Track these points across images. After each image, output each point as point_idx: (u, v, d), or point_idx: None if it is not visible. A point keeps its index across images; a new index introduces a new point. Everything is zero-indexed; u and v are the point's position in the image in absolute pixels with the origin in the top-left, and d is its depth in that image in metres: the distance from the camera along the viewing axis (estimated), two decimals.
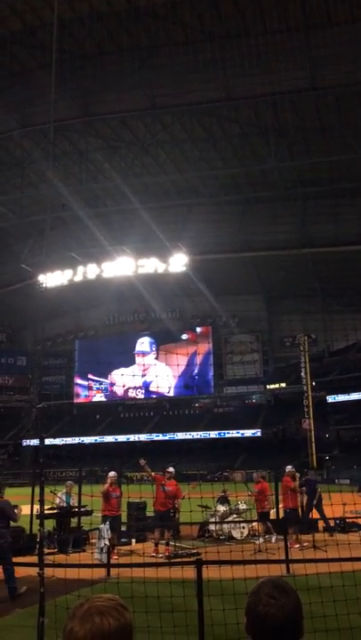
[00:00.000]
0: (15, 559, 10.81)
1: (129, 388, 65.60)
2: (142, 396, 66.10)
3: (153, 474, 14.04)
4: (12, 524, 9.85)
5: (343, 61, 31.22)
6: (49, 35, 31.45)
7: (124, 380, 63.87)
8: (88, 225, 44.47)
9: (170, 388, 64.20)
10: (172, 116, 37.87)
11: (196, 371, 63.18)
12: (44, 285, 46.50)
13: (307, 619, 1.78)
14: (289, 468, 14.69)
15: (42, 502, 5.43)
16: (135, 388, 65.67)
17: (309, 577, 5.96)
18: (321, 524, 15.03)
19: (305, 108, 36.18)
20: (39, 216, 46.96)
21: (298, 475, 14.52)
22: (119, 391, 66.43)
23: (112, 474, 13.85)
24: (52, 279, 46.90)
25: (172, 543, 13.31)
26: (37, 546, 12.80)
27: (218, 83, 34.41)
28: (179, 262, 44.68)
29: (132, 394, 66.05)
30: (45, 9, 30.77)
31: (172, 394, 64.53)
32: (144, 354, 65.62)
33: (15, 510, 9.63)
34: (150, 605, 5.81)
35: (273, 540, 13.48)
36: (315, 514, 15.00)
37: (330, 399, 53.82)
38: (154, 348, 65.81)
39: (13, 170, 42.67)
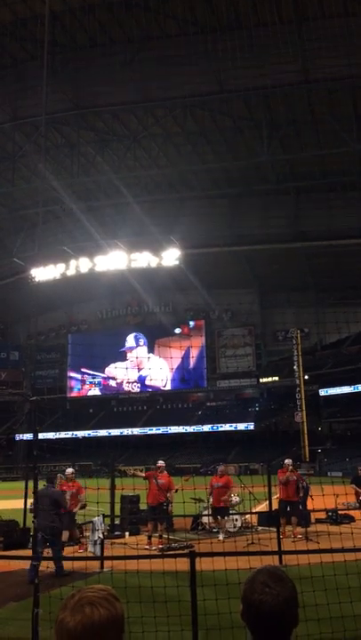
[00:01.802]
0: (8, 552, 10.83)
1: (125, 382, 65.63)
2: (138, 390, 66.16)
3: (144, 473, 14.07)
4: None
5: (336, 54, 31.16)
6: (40, 26, 31.21)
7: (121, 373, 63.92)
8: (80, 219, 44.30)
9: (166, 381, 64.28)
10: (165, 109, 37.71)
11: (191, 364, 63.32)
12: (35, 279, 46.36)
13: (299, 608, 1.78)
14: (286, 461, 14.75)
15: (36, 494, 5.41)
16: (130, 382, 65.70)
17: (302, 567, 6.00)
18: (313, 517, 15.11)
19: (297, 102, 36.15)
20: (31, 209, 46.79)
21: (290, 468, 14.49)
22: (116, 384, 66.41)
23: (69, 470, 13.98)
24: (44, 273, 46.72)
25: (165, 536, 13.35)
26: (31, 539, 12.84)
27: (210, 76, 34.26)
28: (171, 256, 44.64)
29: (127, 387, 66.09)
30: (36, 0, 30.48)
31: (168, 387, 64.62)
32: (131, 349, 65.60)
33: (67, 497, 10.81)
34: (144, 596, 5.83)
35: (220, 537, 13.53)
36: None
37: (322, 392, 54.11)
38: (141, 342, 65.79)
39: (5, 163, 42.38)
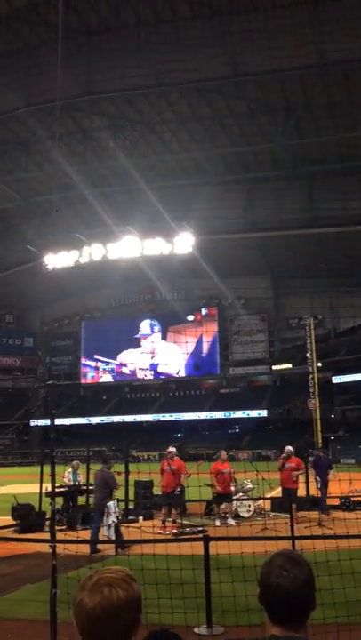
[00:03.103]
0: (25, 536, 11.00)
1: (138, 369, 65.92)
2: (151, 377, 66.43)
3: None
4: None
5: (352, 36, 30.59)
6: (53, 11, 31.00)
7: (134, 359, 64.20)
8: (93, 205, 44.22)
9: (179, 368, 64.45)
10: (178, 93, 37.34)
11: (204, 351, 63.38)
12: (48, 266, 46.53)
13: (315, 592, 1.79)
14: (285, 448, 14.76)
15: (53, 478, 5.47)
16: (144, 369, 65.95)
17: (317, 553, 6.02)
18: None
19: (313, 85, 35.57)
20: (44, 196, 46.81)
21: (283, 455, 14.48)
22: (129, 371, 66.71)
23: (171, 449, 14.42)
24: (57, 260, 46.81)
25: (178, 521, 13.46)
26: (47, 522, 13.03)
27: (224, 59, 33.81)
28: (185, 243, 44.43)
29: (140, 375, 66.38)
30: None
31: (182, 374, 64.79)
32: (146, 336, 65.81)
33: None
34: (160, 578, 5.88)
35: (217, 523, 13.61)
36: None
37: (335, 380, 53.88)
38: (155, 329, 65.94)
39: (18, 150, 42.37)
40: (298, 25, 30.61)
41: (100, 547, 10.27)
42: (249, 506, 14.88)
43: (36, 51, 34.55)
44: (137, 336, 65.95)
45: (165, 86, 36.45)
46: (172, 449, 14.39)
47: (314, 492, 15.54)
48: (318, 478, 15.29)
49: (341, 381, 53.75)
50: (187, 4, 32.46)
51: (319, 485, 15.23)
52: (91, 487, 15.06)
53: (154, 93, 37.38)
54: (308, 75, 34.47)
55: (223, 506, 14.41)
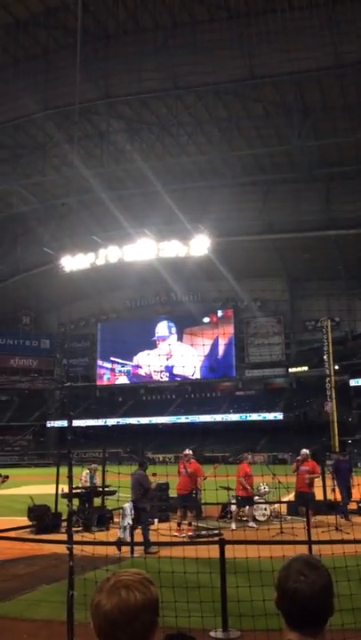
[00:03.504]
0: (41, 537, 11.05)
1: (154, 371, 66.01)
2: (167, 379, 66.48)
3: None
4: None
5: None
6: (70, 16, 31.27)
7: (150, 361, 64.30)
8: (109, 208, 44.45)
9: (195, 369, 64.41)
10: (195, 96, 37.40)
11: (219, 353, 63.27)
12: (64, 269, 46.83)
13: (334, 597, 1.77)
14: (302, 451, 14.65)
15: (70, 479, 5.49)
16: (160, 371, 66.02)
17: (336, 558, 5.96)
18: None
19: (330, 86, 35.39)
20: (61, 199, 47.13)
21: (298, 458, 14.36)
22: (145, 373, 66.83)
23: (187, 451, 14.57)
24: (74, 262, 47.11)
25: (194, 524, 13.43)
26: (64, 522, 13.09)
27: (241, 61, 33.81)
28: (201, 245, 44.42)
29: (156, 377, 66.46)
30: None
31: (197, 376, 64.75)
32: (163, 338, 65.90)
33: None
34: (177, 581, 5.87)
35: (233, 526, 13.53)
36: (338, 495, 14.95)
37: (353, 382, 53.44)
38: (173, 331, 65.98)
39: (35, 153, 42.76)
40: (315, 26, 30.48)
41: (122, 548, 10.28)
42: (265, 509, 14.80)
43: (53, 55, 34.87)
44: (154, 338, 66.06)
45: (182, 89, 36.54)
46: (188, 451, 14.37)
47: (332, 495, 15.38)
48: (337, 482, 15.06)
49: (359, 384, 53.29)
50: (204, 6, 32.53)
51: (340, 489, 14.97)
52: (107, 489, 15.14)
53: (170, 96, 37.49)
54: (326, 76, 34.30)
55: (246, 509, 14.33)
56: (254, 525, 13.50)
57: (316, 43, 31.33)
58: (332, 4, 30.71)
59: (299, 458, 14.33)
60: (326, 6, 30.66)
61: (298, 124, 36.23)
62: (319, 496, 15.41)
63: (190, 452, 14.53)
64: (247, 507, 14.25)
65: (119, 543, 10.24)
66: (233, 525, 13.67)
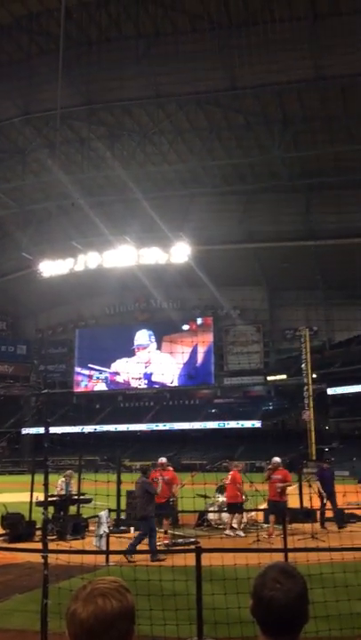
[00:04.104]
0: (15, 545, 10.90)
1: (132, 378, 65.77)
2: (145, 386, 66.28)
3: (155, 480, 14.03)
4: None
5: (349, 51, 30.94)
6: (53, 22, 31.24)
7: (128, 369, 64.08)
8: (89, 214, 44.34)
9: (173, 377, 64.34)
10: (176, 105, 37.60)
11: (198, 361, 63.33)
12: (43, 274, 46.51)
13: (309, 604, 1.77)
14: (273, 459, 14.62)
15: (46, 487, 5.44)
16: (138, 378, 65.81)
17: (311, 565, 5.99)
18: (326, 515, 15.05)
19: (310, 99, 35.89)
20: (40, 204, 46.90)
21: (269, 466, 14.38)
22: (123, 380, 66.54)
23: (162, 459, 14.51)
24: (52, 268, 46.80)
25: (170, 532, 13.38)
26: (38, 531, 12.92)
27: (223, 72, 34.12)
28: (181, 252, 44.54)
29: (134, 384, 66.21)
30: None
31: (176, 383, 64.69)
32: (142, 347, 65.75)
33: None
34: (152, 590, 5.84)
35: (227, 532, 13.52)
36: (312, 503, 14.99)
37: (330, 391, 53.94)
38: (152, 339, 65.90)
39: (15, 158, 42.48)
40: (296, 39, 30.94)
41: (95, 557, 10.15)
42: (242, 517, 14.80)
43: (35, 60, 34.75)
44: (133, 347, 65.85)
45: (164, 97, 36.71)
46: (163, 460, 14.29)
47: (309, 504, 15.43)
48: (323, 491, 14.89)
49: (336, 393, 53.81)
50: (186, 17, 32.76)
51: (325, 499, 14.83)
52: (83, 497, 15.00)
53: (152, 104, 37.62)
54: (306, 88, 34.81)
55: (234, 516, 14.26)
56: (241, 534, 13.43)
57: (296, 55, 31.79)
58: (312, 18, 31.21)
59: (270, 467, 14.32)
60: (307, 20, 31.15)
61: (278, 134, 36.66)
62: (295, 504, 15.47)
63: (165, 460, 14.43)
64: (236, 514, 14.16)
65: (129, 551, 10.18)
66: (228, 532, 13.56)
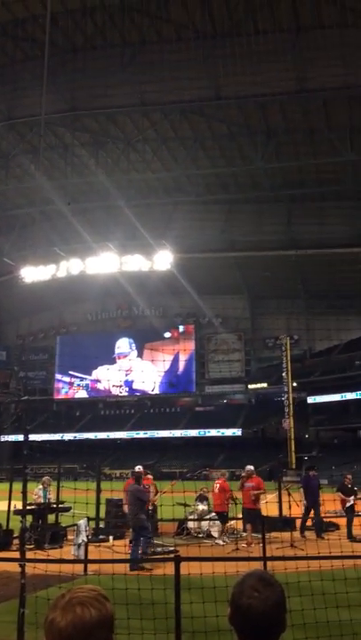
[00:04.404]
0: None
1: (113, 386, 65.44)
2: (126, 394, 66.00)
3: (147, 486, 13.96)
4: None
5: (332, 65, 31.41)
6: (38, 27, 31.23)
7: (109, 376, 63.78)
8: (72, 221, 44.18)
9: (155, 385, 64.18)
10: (161, 113, 37.77)
11: (180, 369, 63.28)
12: (25, 280, 46.15)
13: (286, 613, 1.78)
14: (246, 467, 14.66)
15: (24, 495, 5.38)
16: (119, 386, 65.51)
17: (289, 574, 6.01)
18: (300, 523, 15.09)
19: (293, 110, 36.33)
20: (23, 209, 46.64)
21: (245, 474, 14.40)
22: (104, 387, 66.19)
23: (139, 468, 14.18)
24: (34, 273, 46.47)
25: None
26: (16, 539, 12.74)
27: (207, 82, 34.38)
28: (164, 260, 44.59)
29: (115, 391, 65.90)
30: (35, 1, 30.48)
31: (157, 391, 64.53)
32: (124, 355, 65.55)
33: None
34: (130, 599, 5.81)
35: (220, 542, 13.50)
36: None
37: (310, 400, 54.28)
38: (133, 347, 65.73)
39: None
40: (280, 51, 31.32)
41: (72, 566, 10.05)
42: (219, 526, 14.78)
43: (20, 66, 34.67)
44: (114, 355, 65.60)
45: (148, 106, 36.85)
46: (139, 468, 14.16)
47: (288, 512, 15.43)
48: (305, 500, 14.87)
49: (316, 402, 54.16)
50: (171, 26, 32.99)
51: (306, 507, 14.81)
52: (61, 505, 14.85)
53: (137, 112, 37.73)
54: (289, 100, 35.23)
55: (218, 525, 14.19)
56: (225, 541, 13.40)
57: (279, 67, 32.18)
58: (295, 30, 31.67)
59: (243, 474, 14.34)
60: (290, 33, 31.59)
61: (261, 145, 36.99)
62: (274, 512, 15.51)
63: (141, 468, 14.28)
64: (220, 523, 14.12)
65: (136, 560, 10.12)
66: (222, 541, 13.49)
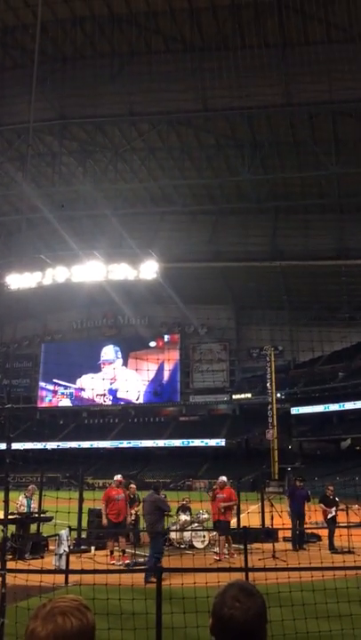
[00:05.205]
0: None
1: (97, 395, 65.12)
2: (110, 403, 65.67)
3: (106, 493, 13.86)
4: None
5: (318, 80, 31.88)
6: (28, 35, 31.31)
7: (94, 385, 63.45)
8: (58, 228, 44.09)
9: (139, 394, 63.95)
10: (149, 123, 37.99)
11: (165, 378, 63.18)
12: (10, 286, 45.84)
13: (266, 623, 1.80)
14: (220, 478, 14.53)
15: (6, 504, 5.35)
16: (103, 394, 65.20)
17: (269, 585, 6.03)
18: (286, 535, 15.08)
19: (279, 124, 36.77)
20: (9, 216, 46.43)
21: (218, 485, 14.30)
22: (88, 396, 65.81)
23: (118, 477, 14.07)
24: (19, 280, 46.20)
25: (129, 551, 13.22)
26: None
27: (195, 94, 34.69)
28: (150, 269, 44.63)
29: (99, 400, 65.56)
30: (25, 9, 30.59)
31: (141, 400, 64.31)
32: (109, 362, 65.33)
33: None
34: (111, 609, 5.78)
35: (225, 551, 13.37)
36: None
37: (294, 411, 54.46)
38: (119, 355, 65.55)
39: None
40: (266, 66, 31.71)
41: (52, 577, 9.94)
42: (203, 537, 14.74)
43: (9, 73, 34.66)
44: (99, 361, 65.33)
45: (136, 116, 37.05)
46: (118, 477, 14.09)
47: (270, 523, 15.42)
48: (290, 510, 14.83)
49: (300, 412, 54.36)
50: (160, 37, 33.26)
51: (290, 517, 14.80)
52: (43, 515, 14.70)
53: (125, 122, 37.90)
54: (275, 113, 35.68)
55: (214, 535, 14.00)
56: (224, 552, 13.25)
57: (266, 81, 32.58)
58: (282, 45, 32.12)
59: (215, 486, 14.26)
60: (277, 48, 32.04)
61: (248, 157, 37.31)
62: (257, 523, 15.49)
63: (120, 477, 14.18)
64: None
65: (150, 569, 9.93)
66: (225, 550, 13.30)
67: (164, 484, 41.87)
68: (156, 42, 33.48)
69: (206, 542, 14.63)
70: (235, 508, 14.30)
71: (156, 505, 11.34)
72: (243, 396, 60.61)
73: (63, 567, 10.61)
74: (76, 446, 58.71)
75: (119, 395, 64.66)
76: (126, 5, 31.64)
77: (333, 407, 51.81)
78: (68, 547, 11.44)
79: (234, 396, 61.76)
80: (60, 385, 67.07)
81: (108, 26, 32.83)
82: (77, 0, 31.33)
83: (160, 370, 63.03)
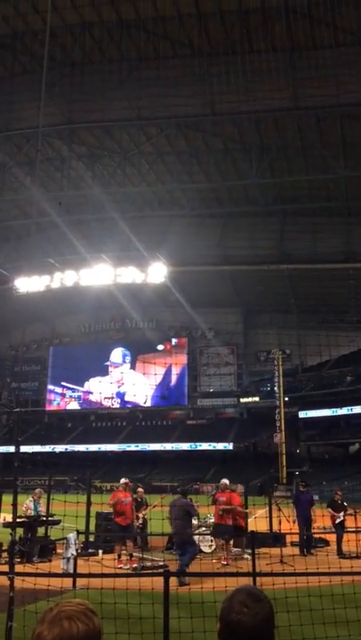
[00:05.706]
0: None
1: (105, 398, 65.20)
2: (118, 406, 65.73)
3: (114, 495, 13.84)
4: None
5: (326, 84, 31.87)
6: (37, 41, 31.54)
7: (101, 388, 63.59)
8: (67, 232, 44.27)
9: (147, 397, 63.97)
10: (157, 127, 38.11)
11: (172, 382, 63.17)
12: (19, 290, 46.13)
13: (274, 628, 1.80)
14: (221, 481, 14.45)
15: (15, 507, 5.38)
16: (111, 398, 65.28)
17: (277, 590, 6.01)
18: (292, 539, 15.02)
19: (287, 127, 36.78)
20: (18, 221, 46.66)
21: (220, 488, 14.23)
22: (96, 399, 65.91)
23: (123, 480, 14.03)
24: (29, 284, 46.43)
25: (136, 555, 13.21)
26: (5, 552, 12.64)
27: (203, 98, 34.78)
28: (158, 273, 44.70)
29: (107, 403, 65.63)
30: (35, 16, 30.84)
31: (149, 403, 64.32)
32: (116, 365, 65.40)
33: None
34: (119, 613, 5.78)
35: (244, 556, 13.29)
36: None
37: (302, 414, 54.26)
38: (127, 360, 65.62)
39: None
40: (274, 70, 31.77)
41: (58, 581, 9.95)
42: (211, 541, 14.70)
43: (18, 78, 34.93)
44: (107, 363, 65.41)
45: (145, 120, 37.18)
46: (124, 480, 14.07)
47: (278, 527, 15.38)
48: (296, 514, 14.78)
49: (308, 416, 54.16)
50: (168, 42, 33.40)
51: (296, 522, 14.73)
52: (51, 518, 14.73)
53: (133, 126, 38.04)
54: (283, 117, 35.69)
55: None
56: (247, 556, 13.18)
57: (274, 85, 32.62)
58: (290, 50, 32.16)
59: (213, 490, 14.20)
60: (284, 52, 32.09)
61: (256, 160, 37.32)
62: (264, 527, 15.44)
63: (126, 480, 14.15)
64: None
65: (182, 573, 9.91)
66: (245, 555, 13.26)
67: (171, 488, 41.93)
68: (164, 47, 33.63)
69: (213, 547, 14.59)
70: (242, 512, 14.19)
71: (185, 509, 11.37)
72: (250, 399, 60.46)
73: (71, 571, 10.61)
74: (84, 449, 58.78)
75: (127, 398, 64.70)
76: (134, 11, 31.83)
77: (341, 411, 51.58)
78: (76, 550, 11.46)
79: (241, 400, 61.62)
80: (68, 388, 67.22)
81: (117, 31, 33.03)
82: (86, 6, 31.56)
83: (168, 373, 63.02)
